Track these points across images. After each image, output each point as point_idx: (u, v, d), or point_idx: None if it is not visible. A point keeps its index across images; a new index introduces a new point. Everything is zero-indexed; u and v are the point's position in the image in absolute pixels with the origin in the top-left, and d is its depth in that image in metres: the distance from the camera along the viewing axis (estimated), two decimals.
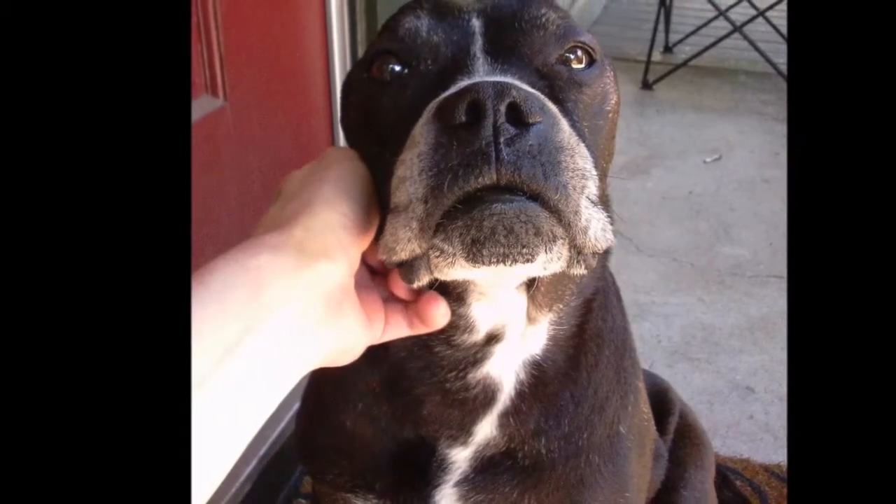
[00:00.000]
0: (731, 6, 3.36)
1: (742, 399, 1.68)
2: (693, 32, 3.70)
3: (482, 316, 0.67)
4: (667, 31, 3.81)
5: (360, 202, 0.59)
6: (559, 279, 0.66)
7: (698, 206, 2.48)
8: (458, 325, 0.67)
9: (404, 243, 0.53)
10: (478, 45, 0.60)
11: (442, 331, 0.65)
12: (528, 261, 0.52)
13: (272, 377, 0.51)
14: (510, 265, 0.52)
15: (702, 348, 1.83)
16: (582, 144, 0.54)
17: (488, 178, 0.50)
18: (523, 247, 0.51)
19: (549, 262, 0.53)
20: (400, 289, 0.62)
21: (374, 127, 0.62)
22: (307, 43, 1.49)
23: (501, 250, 0.51)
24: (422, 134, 0.53)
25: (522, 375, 0.71)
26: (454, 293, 0.64)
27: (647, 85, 3.44)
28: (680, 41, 3.78)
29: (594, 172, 0.54)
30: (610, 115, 0.64)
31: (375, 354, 0.66)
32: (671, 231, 2.34)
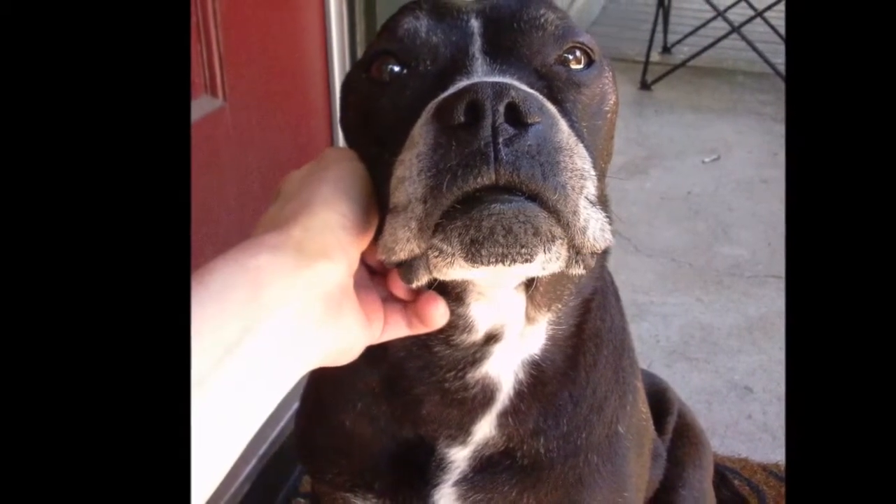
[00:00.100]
0: (730, 7, 3.37)
1: (740, 399, 1.68)
2: (691, 33, 3.71)
3: (481, 316, 0.67)
4: (665, 31, 3.81)
5: (360, 202, 0.59)
6: (558, 279, 0.66)
7: (697, 206, 2.49)
8: (456, 324, 0.67)
9: (403, 243, 0.53)
10: (477, 45, 0.60)
11: (441, 330, 0.65)
12: (526, 261, 0.52)
13: (271, 377, 0.51)
14: (509, 265, 0.52)
15: (700, 348, 1.83)
16: (580, 145, 0.54)
17: (487, 178, 0.50)
18: (522, 247, 0.51)
19: (547, 262, 0.53)
20: (399, 289, 0.62)
21: (374, 127, 0.62)
22: (306, 43, 1.49)
23: (500, 250, 0.51)
24: (421, 134, 0.53)
25: (521, 375, 0.71)
26: (453, 293, 0.64)
27: (645, 85, 3.45)
28: (678, 42, 3.79)
29: (593, 173, 0.54)
30: (608, 115, 0.64)
31: (374, 354, 0.66)
32: (670, 231, 2.34)
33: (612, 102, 0.65)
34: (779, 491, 1.43)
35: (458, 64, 0.58)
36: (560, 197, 0.51)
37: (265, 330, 0.50)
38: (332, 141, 1.62)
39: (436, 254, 0.52)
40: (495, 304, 0.66)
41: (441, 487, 0.75)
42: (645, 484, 0.87)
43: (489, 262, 0.52)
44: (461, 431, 0.73)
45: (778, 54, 3.23)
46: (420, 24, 0.61)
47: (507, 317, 0.67)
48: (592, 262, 0.55)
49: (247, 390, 0.49)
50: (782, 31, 3.34)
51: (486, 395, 0.71)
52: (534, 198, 0.51)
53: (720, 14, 3.26)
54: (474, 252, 0.51)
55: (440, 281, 0.56)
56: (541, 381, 0.72)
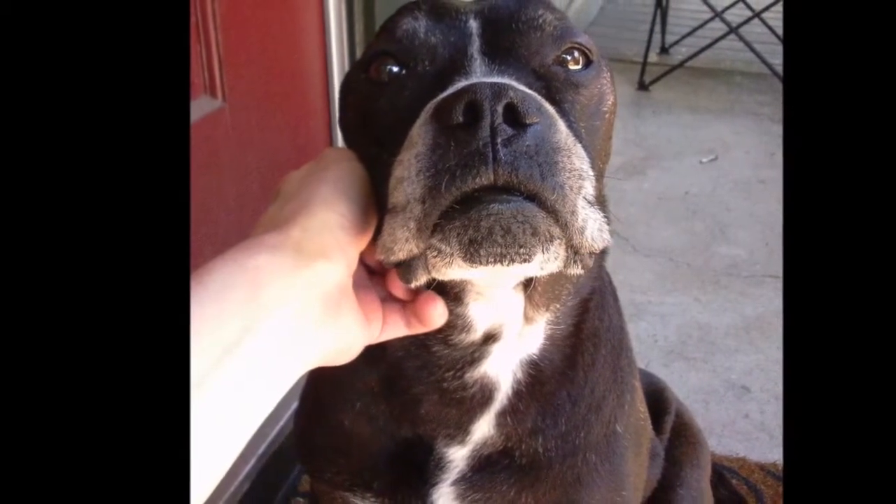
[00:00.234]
0: (727, 7, 3.37)
1: (738, 398, 1.68)
2: (689, 34, 3.71)
3: (479, 315, 0.67)
4: (663, 32, 3.81)
5: (358, 202, 0.59)
6: (556, 279, 0.67)
7: (694, 206, 2.49)
8: (455, 324, 0.67)
9: (402, 243, 0.53)
10: (475, 46, 0.60)
11: (439, 330, 0.65)
12: (525, 261, 0.52)
13: (271, 377, 0.51)
14: (507, 265, 0.52)
15: (698, 348, 1.84)
16: (579, 145, 0.54)
17: (485, 178, 0.50)
18: (520, 247, 0.51)
19: (546, 262, 0.53)
20: (398, 289, 0.62)
21: (372, 128, 0.62)
22: (306, 44, 1.49)
23: (499, 250, 0.51)
24: (419, 135, 0.53)
25: (520, 375, 0.72)
26: (452, 293, 0.64)
27: (643, 86, 3.45)
28: (676, 42, 3.79)
29: (591, 173, 0.54)
30: (606, 115, 0.64)
31: (373, 354, 0.66)
32: (667, 231, 2.34)
33: (610, 103, 0.65)
34: (776, 490, 1.44)
35: (457, 64, 0.58)
36: (558, 197, 0.51)
37: (264, 330, 0.50)
38: (331, 141, 1.62)
39: (434, 254, 0.53)
40: (494, 303, 0.66)
41: (439, 487, 0.75)
42: (643, 483, 0.87)
43: (488, 262, 0.52)
44: (460, 431, 0.73)
45: (775, 55, 3.23)
46: (419, 25, 0.61)
47: (505, 317, 0.67)
48: (590, 262, 0.55)
49: (246, 390, 0.49)
50: (780, 31, 3.35)
51: (484, 394, 0.71)
52: (532, 198, 0.51)
53: (718, 15, 3.26)
54: (473, 252, 0.51)
55: (439, 281, 0.56)
56: (539, 380, 0.72)
